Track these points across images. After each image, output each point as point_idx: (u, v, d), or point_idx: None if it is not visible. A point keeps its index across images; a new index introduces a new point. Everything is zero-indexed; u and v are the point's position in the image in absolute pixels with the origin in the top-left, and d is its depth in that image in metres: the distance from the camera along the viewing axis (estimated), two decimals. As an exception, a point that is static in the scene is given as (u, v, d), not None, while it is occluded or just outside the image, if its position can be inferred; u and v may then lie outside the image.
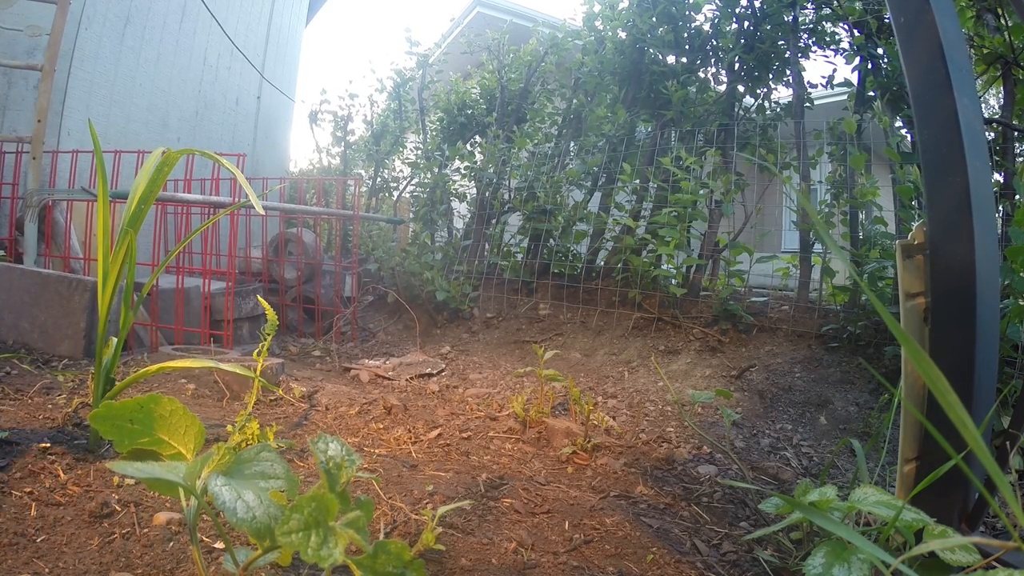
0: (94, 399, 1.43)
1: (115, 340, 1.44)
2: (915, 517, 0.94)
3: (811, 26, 3.88)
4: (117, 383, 1.43)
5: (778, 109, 4.13)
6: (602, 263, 4.14)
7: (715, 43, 4.23)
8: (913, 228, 1.16)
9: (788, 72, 3.92)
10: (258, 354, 1.22)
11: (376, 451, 1.74)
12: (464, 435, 1.98)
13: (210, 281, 3.13)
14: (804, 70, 3.88)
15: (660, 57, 4.40)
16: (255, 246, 4.94)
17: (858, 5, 3.60)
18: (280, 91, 6.91)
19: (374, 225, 4.91)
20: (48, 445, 1.34)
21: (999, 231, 2.36)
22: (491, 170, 4.79)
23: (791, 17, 3.79)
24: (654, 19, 4.16)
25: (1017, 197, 2.85)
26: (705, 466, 1.88)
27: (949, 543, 0.81)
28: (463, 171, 5.31)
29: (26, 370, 2.03)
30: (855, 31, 3.61)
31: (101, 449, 1.39)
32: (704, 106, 4.14)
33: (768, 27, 3.87)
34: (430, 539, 0.89)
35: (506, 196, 4.91)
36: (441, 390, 2.62)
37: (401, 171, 6.61)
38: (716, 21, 4.16)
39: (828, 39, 3.83)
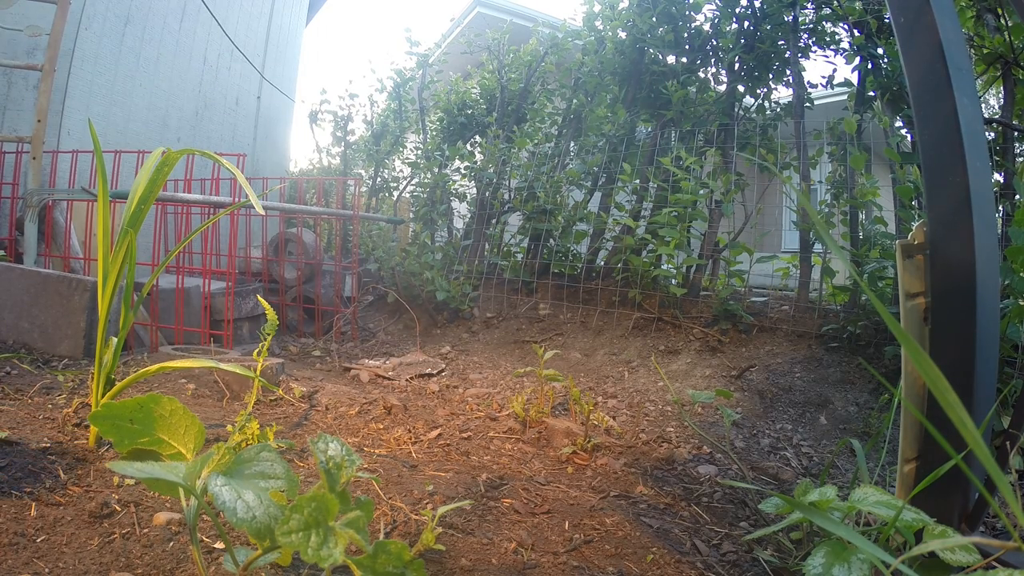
0: (94, 399, 1.44)
1: (115, 340, 1.44)
2: (915, 517, 0.94)
3: (811, 26, 3.88)
4: (117, 383, 1.43)
5: (778, 109, 4.13)
6: (602, 263, 4.14)
7: (715, 43, 4.23)
8: (913, 228, 1.16)
9: (788, 72, 3.92)
10: (258, 354, 1.22)
11: (376, 451, 1.74)
12: (464, 435, 1.98)
13: (210, 281, 3.13)
14: (804, 70, 3.89)
15: (660, 57, 4.40)
16: (255, 246, 4.94)
17: (858, 5, 3.60)
18: (280, 91, 6.91)
19: (374, 225, 4.91)
20: (48, 445, 1.34)
21: (999, 231, 2.36)
22: (491, 170, 4.79)
23: (791, 17, 3.79)
24: (654, 19, 4.16)
25: (1017, 197, 2.85)
26: (705, 466, 1.88)
27: (949, 543, 0.81)
28: (463, 171, 5.31)
29: (26, 370, 2.03)
30: (855, 31, 3.61)
31: (101, 449, 1.39)
32: (704, 106, 4.14)
33: (768, 27, 3.87)
34: (430, 539, 0.89)
35: (506, 196, 4.91)
36: (441, 390, 2.62)
37: (401, 171, 6.61)
38: (716, 21, 4.16)
39: (828, 39, 3.83)
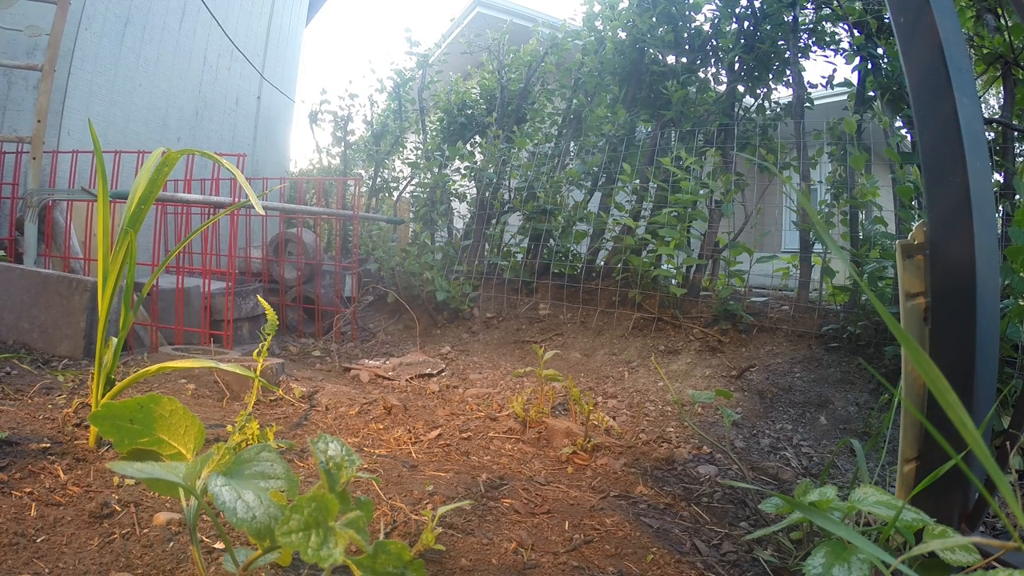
0: (94, 399, 1.44)
1: (115, 340, 1.44)
2: (915, 517, 0.94)
3: (811, 26, 3.88)
4: (117, 383, 1.43)
5: (778, 109, 4.13)
6: (602, 263, 4.14)
7: (715, 43, 4.23)
8: (913, 228, 1.16)
9: (788, 72, 3.92)
10: (258, 354, 1.22)
11: (376, 451, 1.74)
12: (464, 435, 1.98)
13: (210, 281, 3.13)
14: (804, 70, 3.89)
15: (660, 57, 4.40)
16: (255, 246, 4.94)
17: (858, 5, 3.60)
18: (280, 91, 6.91)
19: (374, 225, 4.91)
20: (48, 445, 1.34)
21: (999, 231, 2.36)
22: (491, 170, 4.79)
23: (791, 17, 3.79)
24: (654, 19, 4.16)
25: (1017, 197, 2.85)
26: (705, 466, 1.88)
27: (949, 543, 0.81)
28: (463, 171, 5.31)
29: (26, 370, 2.03)
30: (855, 31, 3.61)
31: (101, 449, 1.39)
32: (704, 106, 4.14)
33: (768, 27, 3.87)
34: (430, 539, 0.89)
35: (506, 196, 4.91)
36: (441, 390, 2.62)
37: (401, 171, 6.61)
38: (716, 21, 4.16)
39: (828, 39, 3.83)
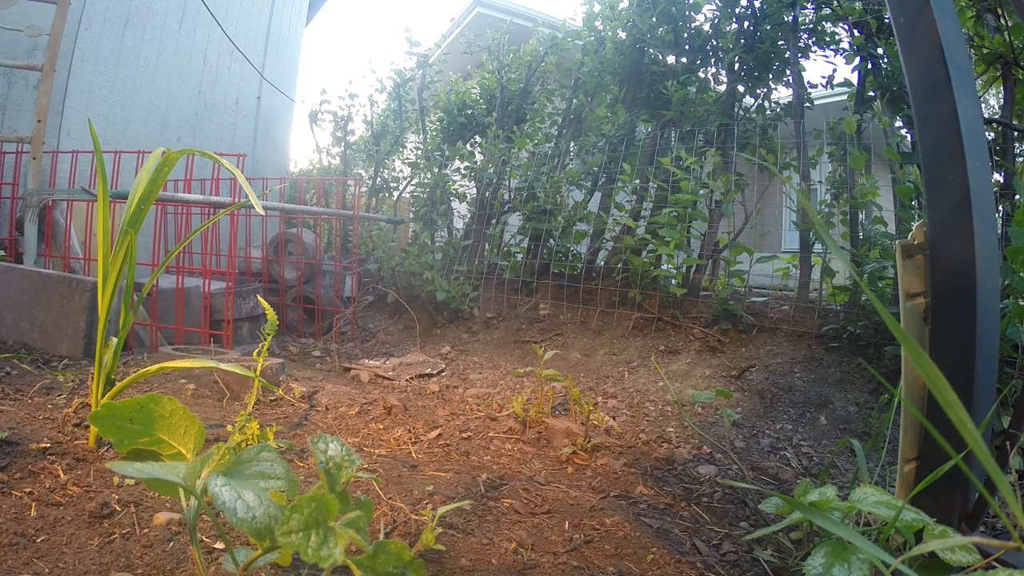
0: (94, 399, 1.44)
1: (115, 340, 1.44)
2: (915, 517, 0.94)
3: (811, 26, 3.88)
4: (117, 383, 1.43)
5: (778, 109, 4.13)
6: (602, 263, 4.14)
7: (715, 43, 4.23)
8: (913, 228, 1.16)
9: (788, 72, 3.92)
10: (258, 354, 1.22)
11: (376, 451, 1.74)
12: (464, 435, 1.98)
13: (210, 281, 3.13)
14: (804, 70, 3.89)
15: (660, 57, 4.40)
16: (255, 246, 4.94)
17: (858, 5, 3.60)
18: (280, 91, 6.91)
19: (374, 225, 4.91)
20: (48, 445, 1.34)
21: (999, 231, 2.36)
22: (491, 170, 4.79)
23: (791, 17, 3.79)
24: (654, 19, 4.16)
25: (1017, 197, 2.85)
26: (705, 466, 1.88)
27: (949, 543, 0.81)
28: (463, 171, 5.31)
29: (26, 370, 2.03)
30: (855, 31, 3.61)
31: (101, 449, 1.39)
32: (704, 106, 4.14)
33: (768, 27, 3.87)
34: (430, 539, 0.89)
35: (506, 196, 4.91)
36: (441, 390, 2.62)
37: (401, 171, 6.61)
38: (716, 21, 4.16)
39: (828, 39, 3.83)
